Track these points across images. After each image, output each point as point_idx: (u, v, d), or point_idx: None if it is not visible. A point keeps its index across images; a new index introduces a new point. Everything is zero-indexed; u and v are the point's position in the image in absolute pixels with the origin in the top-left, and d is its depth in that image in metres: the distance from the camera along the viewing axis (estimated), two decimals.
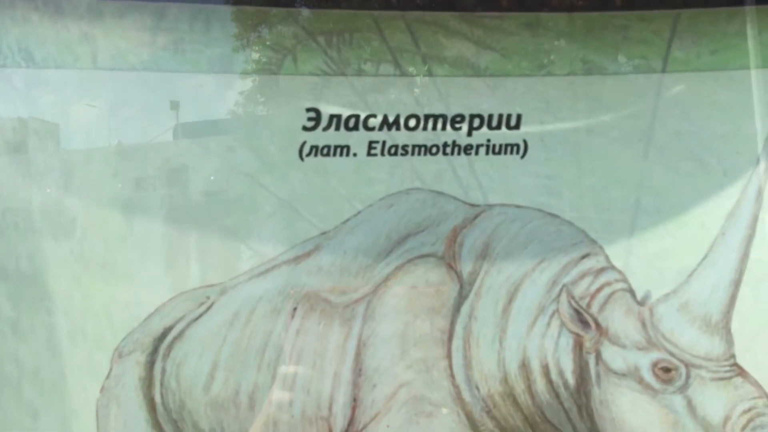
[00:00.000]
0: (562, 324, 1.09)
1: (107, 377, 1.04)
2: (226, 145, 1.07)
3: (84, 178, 1.01)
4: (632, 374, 1.08)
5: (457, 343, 1.09)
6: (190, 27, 1.06)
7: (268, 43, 1.08)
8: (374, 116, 1.11)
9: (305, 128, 1.09)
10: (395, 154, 1.11)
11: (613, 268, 1.12)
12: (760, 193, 1.15)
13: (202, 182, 1.05)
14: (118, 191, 1.03)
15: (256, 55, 1.07)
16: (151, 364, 1.07)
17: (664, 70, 1.16)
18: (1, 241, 0.99)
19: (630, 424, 1.08)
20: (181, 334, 1.07)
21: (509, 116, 1.14)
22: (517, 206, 1.13)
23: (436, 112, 1.12)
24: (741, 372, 1.10)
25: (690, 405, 1.08)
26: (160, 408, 1.06)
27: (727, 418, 1.08)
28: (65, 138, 0.98)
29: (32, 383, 0.99)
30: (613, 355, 1.08)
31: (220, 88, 1.07)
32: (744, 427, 1.08)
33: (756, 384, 1.09)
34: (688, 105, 1.17)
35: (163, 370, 1.06)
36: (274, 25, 1.08)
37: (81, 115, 0.99)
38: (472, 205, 1.13)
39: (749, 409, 1.08)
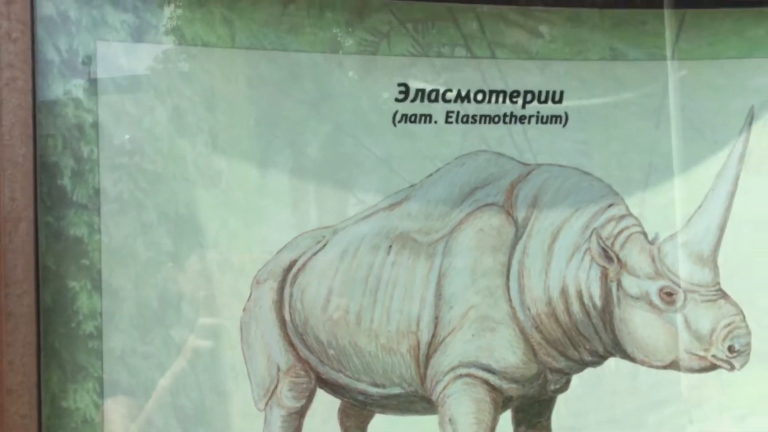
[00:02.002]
0: (593, 259, 1.23)
1: (248, 300, 1.13)
2: (336, 112, 1.16)
3: (228, 138, 1.12)
4: (644, 298, 1.23)
5: (513, 274, 1.21)
6: (308, 12, 1.17)
7: (368, 28, 1.17)
8: (450, 91, 1.21)
9: (397, 100, 1.18)
10: (467, 122, 1.22)
11: (631, 215, 1.26)
12: (741, 158, 1.29)
13: (319, 143, 1.18)
14: (255, 151, 1.13)
15: (359, 38, 1.17)
16: (281, 289, 1.16)
17: (672, 58, 1.29)
18: (165, 189, 1.09)
19: (641, 335, 1.23)
20: (303, 265, 1.16)
21: (554, 92, 1.25)
22: (560, 165, 1.25)
23: (498, 88, 1.23)
24: (724, 296, 1.25)
25: (686, 321, 1.24)
26: (289, 324, 1.16)
27: (713, 330, 1.24)
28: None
29: (189, 304, 1.08)
30: (630, 283, 1.23)
31: (329, 64, 1.17)
32: (725, 337, 1.23)
33: (735, 305, 1.25)
34: (689, 86, 1.30)
35: (291, 294, 1.16)
36: (373, 13, 1.17)
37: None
38: (525, 164, 1.24)
39: (729, 323, 1.24)
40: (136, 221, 1.07)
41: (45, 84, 1.01)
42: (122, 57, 1.05)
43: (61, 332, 1.03)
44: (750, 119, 1.31)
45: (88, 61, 1.03)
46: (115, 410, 1.06)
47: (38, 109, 0.99)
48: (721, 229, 1.28)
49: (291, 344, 1.17)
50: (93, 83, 1.04)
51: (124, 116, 1.06)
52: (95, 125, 1.04)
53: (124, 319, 1.07)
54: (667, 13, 1.29)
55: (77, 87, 1.03)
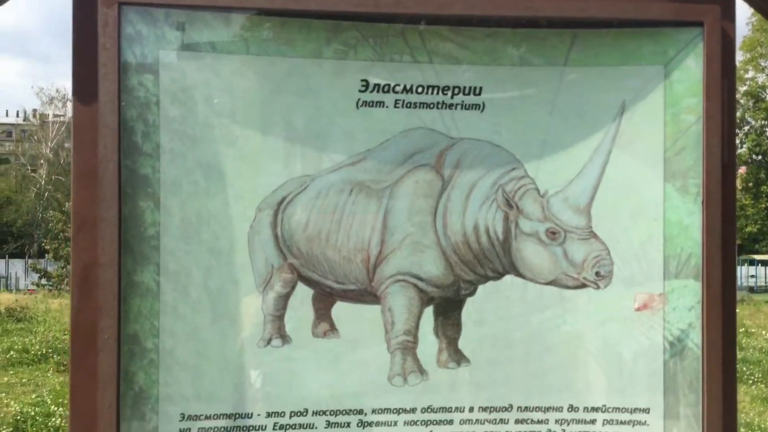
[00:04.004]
0: (498, 206, 1.52)
1: (253, 220, 1.45)
2: (316, 99, 1.47)
3: (243, 115, 1.48)
4: (535, 234, 1.52)
5: (439, 213, 1.51)
6: (299, 30, 1.51)
7: (341, 41, 1.48)
8: (399, 85, 1.49)
9: (360, 90, 1.48)
10: (410, 107, 1.50)
11: (528, 176, 1.53)
12: (614, 138, 1.54)
13: (304, 120, 1.49)
14: (261, 124, 1.45)
15: (334, 48, 1.48)
16: (275, 214, 1.47)
17: (565, 64, 1.53)
18: (200, 147, 1.47)
19: (531, 261, 1.52)
20: (291, 200, 1.48)
21: (475, 87, 1.51)
22: (477, 140, 1.53)
23: (434, 83, 1.50)
24: (594, 236, 1.53)
25: (565, 252, 1.52)
26: (280, 238, 1.48)
27: (584, 260, 1.52)
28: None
29: (215, 220, 1.41)
30: (524, 224, 1.52)
31: (313, 66, 1.48)
32: (594, 265, 1.52)
33: (602, 243, 1.53)
34: (577, 85, 1.54)
35: (282, 219, 1.48)
36: (345, 31, 1.48)
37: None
38: (452, 138, 1.52)
39: (597, 255, 1.53)
40: (181, 167, 1.44)
41: (125, 77, 1.40)
42: (175, 60, 1.44)
43: (133, 233, 1.43)
44: (622, 110, 1.57)
45: (154, 62, 1.42)
46: (167, 285, 1.44)
47: (122, 92, 1.39)
48: (595, 188, 1.56)
49: (281, 252, 1.51)
50: (156, 77, 1.43)
51: (175, 99, 1.43)
52: (157, 104, 1.42)
53: (174, 228, 1.44)
54: (563, 32, 1.55)
55: (147, 79, 1.43)
